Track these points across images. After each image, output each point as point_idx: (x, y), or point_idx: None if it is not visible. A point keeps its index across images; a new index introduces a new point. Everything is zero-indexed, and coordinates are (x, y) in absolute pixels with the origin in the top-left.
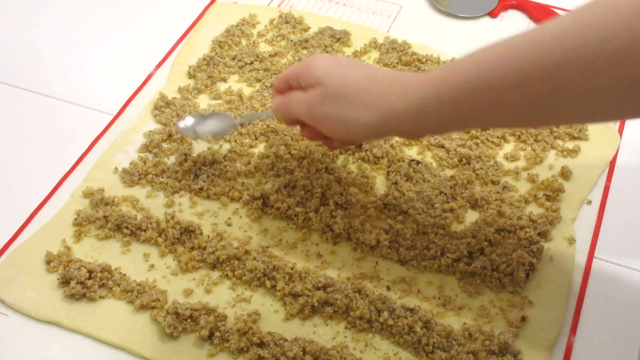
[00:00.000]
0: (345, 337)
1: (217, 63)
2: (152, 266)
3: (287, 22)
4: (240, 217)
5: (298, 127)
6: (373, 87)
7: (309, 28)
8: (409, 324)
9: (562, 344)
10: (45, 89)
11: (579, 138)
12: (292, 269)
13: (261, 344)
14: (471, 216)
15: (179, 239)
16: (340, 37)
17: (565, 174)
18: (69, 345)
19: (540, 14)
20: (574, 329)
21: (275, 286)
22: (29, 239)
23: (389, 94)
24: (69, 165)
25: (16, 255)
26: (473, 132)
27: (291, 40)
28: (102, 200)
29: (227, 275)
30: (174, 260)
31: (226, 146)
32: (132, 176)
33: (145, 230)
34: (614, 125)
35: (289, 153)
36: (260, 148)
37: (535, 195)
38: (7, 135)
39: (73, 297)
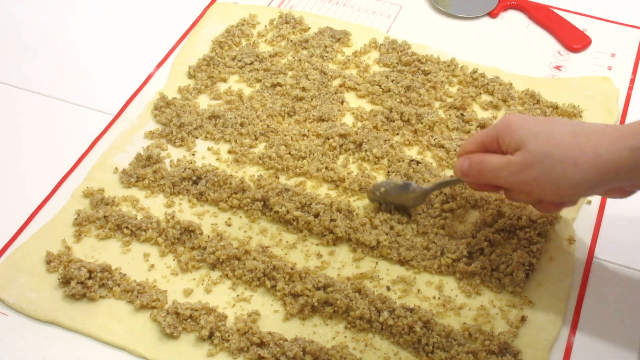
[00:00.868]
0: (345, 337)
1: (217, 63)
2: (152, 266)
3: (287, 23)
4: (240, 217)
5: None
6: (578, 141)
7: (309, 28)
8: (409, 324)
9: (562, 344)
10: (45, 89)
11: None
12: (292, 269)
13: (261, 344)
14: (471, 216)
15: (179, 239)
16: (340, 37)
17: None
18: (69, 345)
19: (539, 14)
20: (574, 329)
21: (275, 286)
22: (29, 239)
23: (597, 147)
24: (69, 165)
25: (16, 255)
26: (473, 132)
27: (291, 41)
28: (102, 200)
29: (227, 275)
30: (174, 260)
31: (226, 147)
32: (130, 177)
33: (145, 230)
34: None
35: (289, 153)
36: (260, 148)
37: None
38: (7, 135)
39: (73, 297)
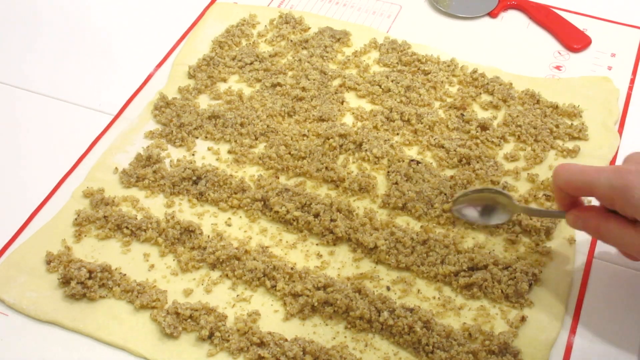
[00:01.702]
0: (345, 337)
1: (217, 63)
2: (152, 266)
3: (287, 23)
4: (240, 217)
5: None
6: None
7: (309, 28)
8: (409, 324)
9: (562, 344)
10: (45, 89)
11: (578, 138)
12: (292, 269)
13: (261, 344)
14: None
15: (179, 239)
16: (340, 37)
17: None
18: (69, 345)
19: (539, 14)
20: (574, 329)
21: (275, 286)
22: (29, 239)
23: None
24: (69, 165)
25: (16, 255)
26: (473, 132)
27: (291, 41)
28: (102, 200)
29: (227, 275)
30: (174, 260)
31: (226, 147)
32: (130, 177)
33: (145, 230)
34: (614, 126)
35: (289, 153)
36: (260, 148)
37: (535, 195)
38: (7, 135)
39: (73, 297)
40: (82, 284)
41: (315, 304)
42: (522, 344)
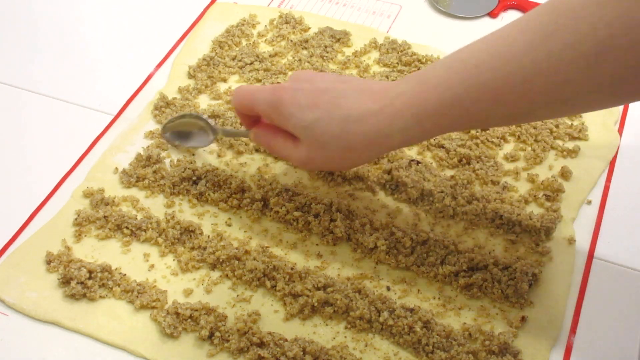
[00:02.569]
0: (345, 337)
1: (217, 63)
2: (152, 266)
3: (287, 23)
4: (240, 217)
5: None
6: (349, 128)
7: (309, 28)
8: (409, 324)
9: (562, 344)
10: (45, 89)
11: (578, 138)
12: (292, 269)
13: (261, 344)
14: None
15: (179, 239)
16: (340, 37)
17: (565, 174)
18: (69, 345)
19: None
20: (574, 329)
21: (275, 286)
22: (29, 239)
23: (367, 132)
24: (69, 165)
25: (16, 255)
26: (473, 132)
27: (291, 41)
28: (102, 200)
29: (227, 275)
30: (174, 260)
31: (226, 147)
32: (130, 177)
33: (145, 230)
34: (614, 126)
35: None
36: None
37: (535, 195)
38: (7, 135)
39: (73, 297)
40: (82, 284)
41: (316, 304)
42: (522, 344)
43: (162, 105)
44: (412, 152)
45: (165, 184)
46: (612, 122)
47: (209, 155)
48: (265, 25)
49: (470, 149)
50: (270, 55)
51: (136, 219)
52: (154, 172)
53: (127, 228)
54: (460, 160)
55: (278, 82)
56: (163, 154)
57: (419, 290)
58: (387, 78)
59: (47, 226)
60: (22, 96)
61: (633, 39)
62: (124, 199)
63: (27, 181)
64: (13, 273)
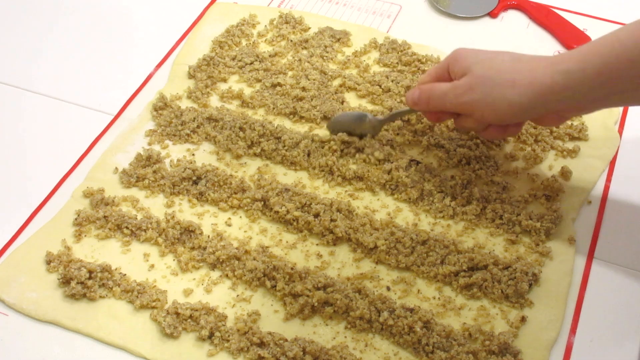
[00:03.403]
0: (345, 337)
1: (217, 63)
2: (152, 266)
3: (287, 22)
4: (240, 217)
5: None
6: (518, 66)
7: (309, 28)
8: (409, 324)
9: (562, 344)
10: (45, 89)
11: (578, 138)
12: (292, 269)
13: (261, 344)
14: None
15: (179, 239)
16: (340, 37)
17: (565, 174)
18: (69, 345)
19: (540, 14)
20: (574, 329)
21: (275, 286)
22: (29, 239)
23: (534, 70)
24: (69, 165)
25: (16, 255)
26: (473, 132)
27: (291, 41)
28: (102, 200)
29: (227, 275)
30: (174, 260)
31: (226, 147)
32: (130, 177)
33: (145, 230)
34: (614, 126)
35: (289, 153)
36: (259, 148)
37: (535, 195)
38: (7, 135)
39: (73, 297)
40: (82, 284)
41: (315, 304)
42: (522, 344)
43: (162, 105)
44: (412, 152)
45: (165, 184)
46: (612, 122)
47: (209, 155)
48: (265, 25)
49: (470, 149)
50: (270, 55)
51: (136, 219)
52: (154, 172)
53: (127, 228)
54: (460, 160)
55: (278, 82)
56: (163, 153)
57: (419, 290)
58: (387, 78)
59: (47, 226)
60: (22, 96)
61: None
62: (124, 199)
63: (27, 181)
64: (13, 273)
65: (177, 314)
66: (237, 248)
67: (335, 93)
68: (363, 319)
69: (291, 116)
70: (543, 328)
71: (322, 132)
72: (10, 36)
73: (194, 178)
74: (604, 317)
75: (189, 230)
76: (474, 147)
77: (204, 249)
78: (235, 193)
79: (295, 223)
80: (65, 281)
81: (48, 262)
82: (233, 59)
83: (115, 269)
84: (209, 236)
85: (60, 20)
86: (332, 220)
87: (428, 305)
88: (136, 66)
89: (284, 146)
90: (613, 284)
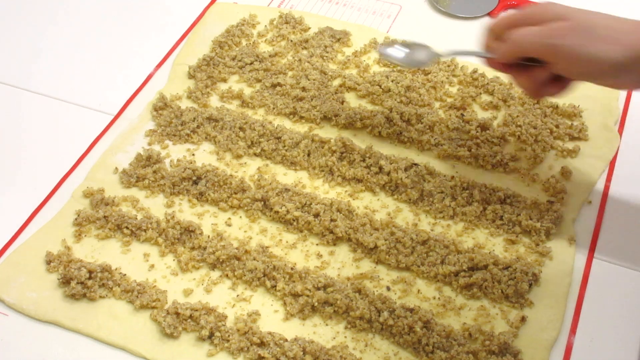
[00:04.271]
0: (345, 337)
1: (217, 63)
2: (152, 266)
3: (287, 23)
4: (240, 217)
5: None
6: (622, 25)
7: (309, 28)
8: (409, 324)
9: (562, 344)
10: (45, 89)
11: (578, 138)
12: (292, 269)
13: (261, 344)
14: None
15: (179, 239)
16: (340, 37)
17: (565, 174)
18: (69, 345)
19: None
20: (574, 329)
21: (275, 286)
22: (29, 239)
23: (636, 32)
24: (69, 165)
25: (16, 255)
26: (473, 132)
27: (291, 41)
28: (102, 200)
29: (227, 275)
30: (174, 260)
31: (226, 147)
32: (130, 177)
33: (145, 230)
34: (614, 126)
35: (288, 153)
36: (259, 148)
37: (536, 203)
38: (7, 135)
39: (73, 297)
40: (82, 284)
41: (315, 304)
42: (522, 344)
43: (162, 105)
44: (412, 152)
45: (165, 184)
46: (612, 122)
47: (209, 155)
48: (265, 25)
49: (470, 149)
50: (270, 55)
51: (136, 219)
52: (154, 172)
53: (127, 228)
54: (459, 159)
55: (278, 82)
56: (163, 153)
57: (419, 290)
58: (387, 78)
59: (47, 226)
60: (22, 96)
61: None
62: (124, 199)
63: (27, 181)
64: (13, 273)
65: (177, 314)
66: (237, 248)
67: (335, 93)
68: (363, 319)
69: (291, 116)
70: (543, 328)
71: (322, 132)
72: (10, 36)
73: (194, 178)
74: (604, 317)
75: (189, 230)
76: (474, 147)
77: (204, 249)
78: (235, 193)
79: (295, 223)
80: (65, 281)
81: (48, 262)
82: (233, 59)
83: (115, 269)
84: (209, 236)
85: (60, 20)
86: (332, 220)
87: (428, 305)
88: (136, 66)
89: (284, 146)
90: (613, 284)
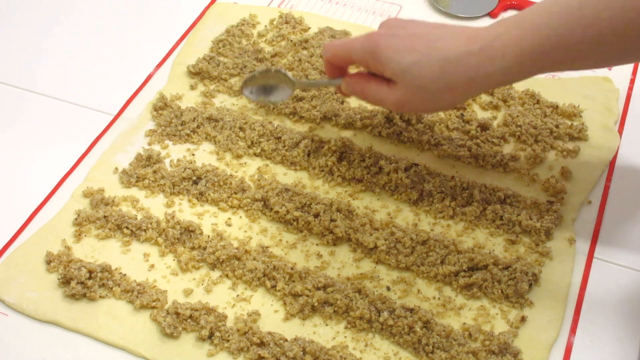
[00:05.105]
0: (345, 337)
1: (217, 63)
2: (152, 266)
3: (287, 23)
4: (240, 217)
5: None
6: (449, 69)
7: (309, 28)
8: (409, 324)
9: (562, 344)
10: (45, 89)
11: (578, 138)
12: (292, 269)
13: (261, 344)
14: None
15: (179, 239)
16: (340, 37)
17: (565, 174)
18: (69, 345)
19: None
20: (574, 329)
21: (275, 286)
22: (29, 239)
23: (467, 71)
24: (69, 165)
25: (16, 255)
26: (473, 132)
27: (291, 41)
28: (102, 200)
29: (227, 275)
30: (174, 260)
31: (225, 147)
32: (130, 177)
33: (145, 230)
34: (614, 126)
35: (287, 152)
36: (259, 148)
37: (536, 203)
38: (7, 135)
39: (73, 297)
40: (82, 284)
41: (315, 304)
42: (522, 344)
43: (162, 105)
44: (412, 152)
45: (165, 184)
46: (612, 122)
47: (209, 155)
48: (265, 25)
49: (470, 149)
50: (270, 55)
51: (136, 219)
52: (154, 172)
53: (127, 228)
54: (459, 159)
55: None
56: (163, 153)
57: (419, 290)
58: None
59: (47, 226)
60: (22, 96)
61: None
62: (124, 199)
63: (27, 181)
64: (13, 273)
65: (177, 314)
66: (237, 248)
67: (335, 93)
68: (363, 319)
69: (291, 116)
70: (543, 328)
71: (322, 132)
72: (10, 36)
73: (194, 178)
74: (604, 317)
75: (189, 230)
76: (474, 147)
77: (204, 249)
78: (235, 193)
79: (295, 223)
80: (65, 281)
81: (48, 262)
82: (233, 59)
83: (115, 269)
84: (209, 236)
85: (60, 20)
86: (332, 220)
87: (428, 305)
88: (136, 66)
89: (284, 146)
90: (613, 284)
